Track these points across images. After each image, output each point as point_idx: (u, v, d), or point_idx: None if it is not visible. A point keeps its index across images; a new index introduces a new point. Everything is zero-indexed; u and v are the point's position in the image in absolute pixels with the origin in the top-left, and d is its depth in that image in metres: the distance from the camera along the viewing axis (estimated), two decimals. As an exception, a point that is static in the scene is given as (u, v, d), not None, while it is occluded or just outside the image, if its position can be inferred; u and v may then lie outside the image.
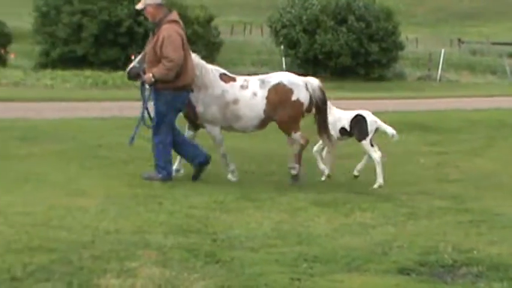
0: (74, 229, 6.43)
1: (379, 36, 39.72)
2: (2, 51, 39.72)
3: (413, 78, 42.35)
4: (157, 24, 9.63)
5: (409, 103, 24.21)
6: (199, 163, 9.86)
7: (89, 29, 41.65)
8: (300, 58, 39.76)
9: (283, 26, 40.28)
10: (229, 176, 10.10)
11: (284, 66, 37.33)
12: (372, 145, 10.18)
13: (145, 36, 44.19)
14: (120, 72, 38.39)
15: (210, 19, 42.07)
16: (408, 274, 5.83)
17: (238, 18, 70.45)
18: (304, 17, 39.29)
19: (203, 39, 39.43)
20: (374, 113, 10.39)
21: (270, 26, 42.39)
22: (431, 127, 16.71)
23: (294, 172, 10.12)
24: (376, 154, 10.11)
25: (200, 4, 42.22)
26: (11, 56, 40.79)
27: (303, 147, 10.19)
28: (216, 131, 10.13)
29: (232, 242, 6.41)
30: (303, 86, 10.15)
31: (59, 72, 33.76)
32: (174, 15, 9.78)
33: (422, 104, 23.77)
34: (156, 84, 9.48)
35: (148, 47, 9.71)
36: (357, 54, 39.21)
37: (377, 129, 10.26)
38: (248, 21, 66.01)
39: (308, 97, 10.14)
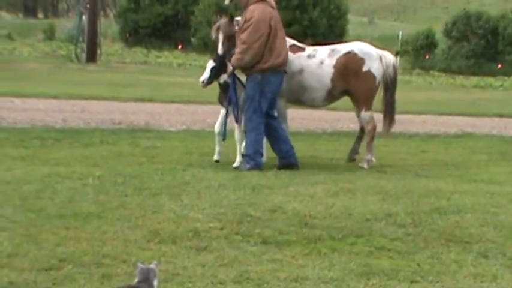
0: None
1: None
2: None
3: None
4: (245, 8, 9.13)
5: None
6: (284, 164, 9.39)
7: None
8: None
9: None
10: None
11: None
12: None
13: None
14: None
15: None
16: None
17: None
18: None
19: None
20: None
21: None
22: None
23: (364, 166, 9.59)
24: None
25: None
26: None
27: (371, 134, 9.56)
28: (280, 103, 9.61)
29: None
30: (376, 58, 9.46)
31: None
32: None
33: None
34: (236, 71, 9.20)
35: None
36: None
37: None
38: None
39: (381, 71, 9.44)
